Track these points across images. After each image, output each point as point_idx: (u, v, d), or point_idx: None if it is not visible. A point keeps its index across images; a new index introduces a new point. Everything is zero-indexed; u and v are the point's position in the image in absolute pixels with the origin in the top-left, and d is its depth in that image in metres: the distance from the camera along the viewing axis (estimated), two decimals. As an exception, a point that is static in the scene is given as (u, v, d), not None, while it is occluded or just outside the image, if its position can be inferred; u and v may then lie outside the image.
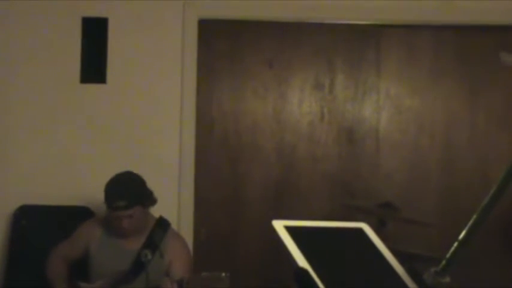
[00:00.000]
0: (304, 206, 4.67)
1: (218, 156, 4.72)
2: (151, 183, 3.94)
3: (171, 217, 4.19)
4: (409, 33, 4.77)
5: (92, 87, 4.64)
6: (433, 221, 4.44)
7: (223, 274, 2.90)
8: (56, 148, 4.60)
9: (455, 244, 1.92)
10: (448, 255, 1.92)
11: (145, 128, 4.62)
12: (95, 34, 4.65)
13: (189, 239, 4.43)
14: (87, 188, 4.50)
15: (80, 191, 4.52)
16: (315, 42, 4.76)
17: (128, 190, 3.84)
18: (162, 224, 3.91)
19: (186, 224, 4.58)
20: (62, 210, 4.49)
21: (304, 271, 1.85)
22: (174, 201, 4.57)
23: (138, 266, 3.70)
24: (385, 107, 4.76)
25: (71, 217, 4.34)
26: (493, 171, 4.65)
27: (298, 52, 4.75)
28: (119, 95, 4.63)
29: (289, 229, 1.95)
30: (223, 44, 4.76)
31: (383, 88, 4.76)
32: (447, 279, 1.91)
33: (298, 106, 4.75)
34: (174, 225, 4.18)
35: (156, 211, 3.96)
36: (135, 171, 3.97)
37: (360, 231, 2.08)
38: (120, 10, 4.65)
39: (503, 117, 4.69)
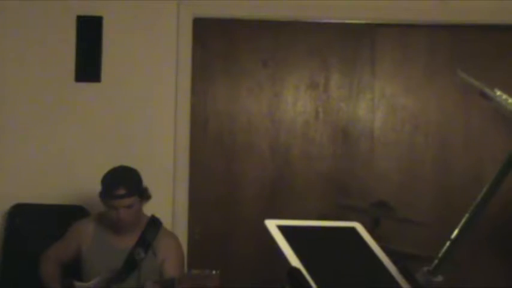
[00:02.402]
0: (298, 205, 4.66)
1: (213, 155, 4.72)
2: (145, 182, 3.93)
3: (166, 216, 4.19)
4: (403, 33, 4.77)
5: (87, 86, 4.63)
6: (428, 220, 4.44)
7: (214, 272, 2.89)
8: (50, 147, 4.59)
9: (448, 243, 1.92)
10: (440, 255, 1.92)
11: (140, 126, 4.62)
12: (89, 33, 4.64)
13: (183, 238, 4.42)
14: (81, 186, 4.49)
15: (74, 190, 4.52)
16: (310, 41, 4.76)
17: (127, 179, 3.82)
18: (155, 222, 3.90)
19: (181, 223, 4.58)
20: (56, 208, 4.48)
21: (297, 270, 1.85)
22: (168, 200, 4.56)
23: (131, 264, 3.70)
24: (380, 106, 4.76)
25: (65, 216, 4.33)
26: (487, 171, 4.65)
27: (293, 51, 4.75)
28: (113, 94, 4.63)
29: (281, 228, 1.95)
30: (218, 43, 4.75)
31: (378, 87, 4.76)
32: (439, 278, 1.92)
33: (293, 105, 4.75)
34: (168, 225, 4.18)
35: (150, 210, 3.96)
36: (130, 170, 3.97)
37: (352, 230, 2.09)
38: (115, 9, 4.64)
39: (498, 117, 4.69)
